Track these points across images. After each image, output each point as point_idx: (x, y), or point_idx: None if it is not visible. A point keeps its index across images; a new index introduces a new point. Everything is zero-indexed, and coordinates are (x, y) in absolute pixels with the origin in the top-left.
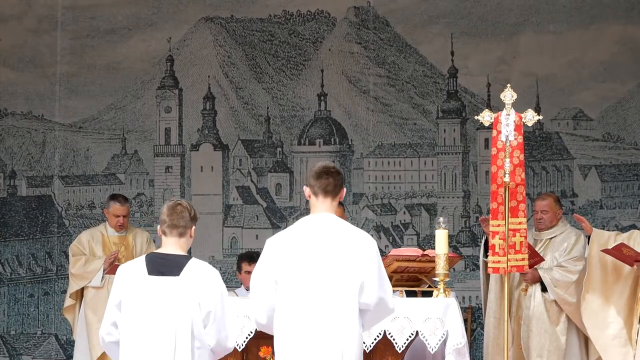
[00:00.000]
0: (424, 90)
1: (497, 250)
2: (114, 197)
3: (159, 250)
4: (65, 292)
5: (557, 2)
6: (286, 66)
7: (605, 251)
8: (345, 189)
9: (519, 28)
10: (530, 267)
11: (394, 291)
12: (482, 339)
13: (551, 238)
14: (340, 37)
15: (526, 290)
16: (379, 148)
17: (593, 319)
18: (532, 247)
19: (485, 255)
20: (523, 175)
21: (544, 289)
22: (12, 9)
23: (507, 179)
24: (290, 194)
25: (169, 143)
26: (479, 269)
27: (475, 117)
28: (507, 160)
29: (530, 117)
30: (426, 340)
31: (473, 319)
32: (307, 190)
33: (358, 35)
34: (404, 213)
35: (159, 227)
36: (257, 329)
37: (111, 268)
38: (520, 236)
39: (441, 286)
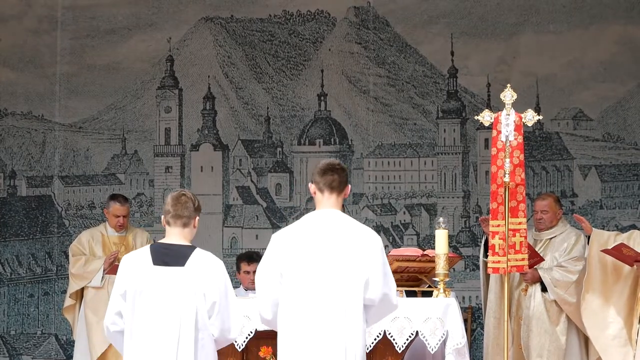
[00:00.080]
0: (424, 90)
1: (497, 250)
2: (114, 197)
3: (163, 241)
4: (65, 292)
5: (557, 2)
6: (286, 66)
7: (605, 251)
8: (350, 186)
9: (519, 28)
10: (530, 267)
11: None
12: (482, 339)
13: (551, 238)
14: (340, 37)
15: (526, 290)
16: (379, 148)
17: (593, 319)
18: (532, 247)
19: (485, 255)
20: (523, 175)
21: (544, 289)
22: (12, 9)
23: (507, 179)
24: (290, 194)
25: (169, 143)
26: (479, 269)
27: (475, 117)
28: (507, 160)
29: (530, 117)
30: (426, 340)
31: (473, 319)
32: (312, 187)
33: (358, 35)
34: (404, 213)
35: (162, 217)
36: (261, 326)
37: (111, 268)
38: (520, 236)
39: (441, 286)
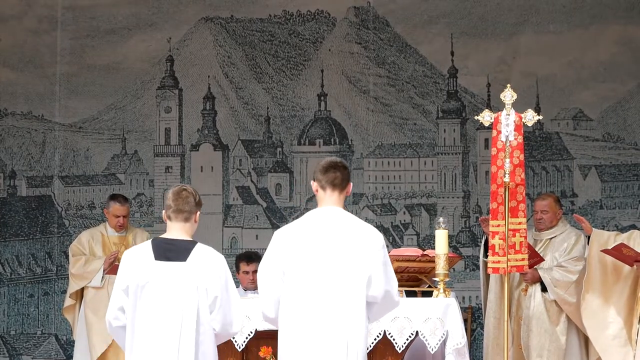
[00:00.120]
0: (424, 90)
1: (497, 250)
2: (113, 197)
3: (165, 236)
4: (65, 292)
5: (557, 2)
6: (286, 66)
7: (605, 251)
8: (352, 184)
9: (519, 28)
10: (530, 267)
11: None
12: (482, 339)
13: (551, 238)
14: (340, 37)
15: (526, 290)
16: (379, 148)
17: (593, 319)
18: (532, 247)
19: (485, 256)
20: (523, 176)
21: (544, 289)
22: (12, 9)
23: (507, 179)
24: (290, 194)
25: (169, 143)
26: (479, 269)
27: (475, 117)
28: (507, 160)
29: (530, 117)
30: (426, 340)
31: (473, 319)
32: (314, 184)
33: (358, 35)
34: (404, 213)
35: (163, 212)
36: (261, 326)
37: (111, 268)
38: (520, 236)
39: (441, 286)
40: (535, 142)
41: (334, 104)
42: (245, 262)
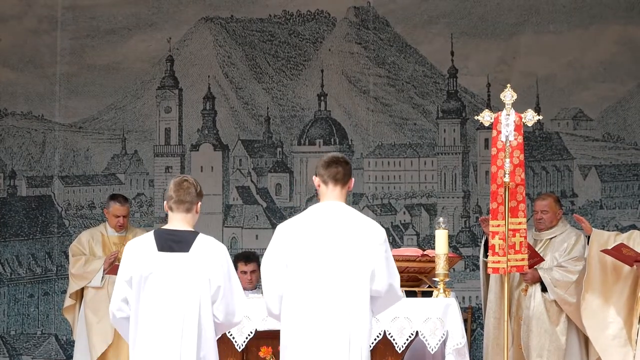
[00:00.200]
0: (424, 90)
1: (497, 250)
2: (113, 197)
3: (167, 227)
4: (65, 292)
5: (557, 2)
6: (286, 66)
7: (605, 251)
8: (354, 179)
9: (519, 28)
10: (530, 267)
11: None
12: (482, 339)
13: (551, 238)
14: (340, 37)
15: (526, 290)
16: (379, 148)
17: (593, 319)
18: (532, 247)
19: (485, 256)
20: (523, 176)
21: (544, 289)
22: (12, 9)
23: (507, 179)
24: (290, 194)
25: (169, 143)
26: (479, 269)
27: (475, 117)
28: (507, 160)
29: (530, 117)
30: (426, 340)
31: (473, 319)
32: (316, 179)
33: (358, 35)
34: (404, 213)
35: (165, 203)
36: (261, 326)
37: (111, 268)
38: (520, 236)
39: (441, 286)
40: (535, 142)
41: (334, 104)
42: (243, 262)
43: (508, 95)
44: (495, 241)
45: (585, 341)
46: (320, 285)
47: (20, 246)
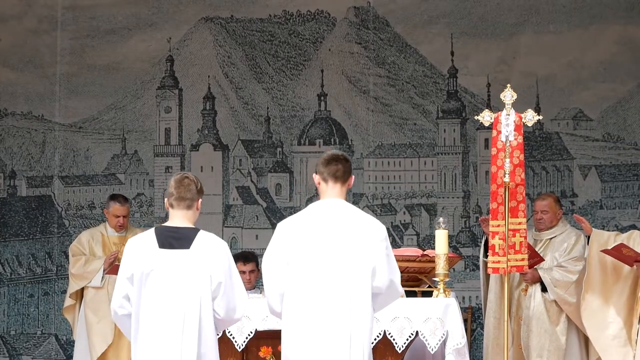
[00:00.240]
0: (424, 90)
1: (497, 250)
2: (113, 197)
3: (167, 224)
4: (65, 292)
5: (557, 2)
6: (286, 66)
7: (605, 251)
8: (354, 177)
9: (519, 28)
10: (530, 267)
11: None
12: (482, 339)
13: (551, 238)
14: (340, 37)
15: (526, 290)
16: (379, 148)
17: (593, 319)
18: (532, 247)
19: (485, 256)
20: (523, 176)
21: (544, 289)
22: (12, 9)
23: (507, 179)
24: (290, 194)
25: (169, 143)
26: (479, 269)
27: (475, 117)
28: (507, 160)
29: (530, 117)
30: (426, 340)
31: (473, 319)
32: (316, 177)
33: (358, 35)
34: (404, 213)
35: (165, 200)
36: (261, 327)
37: (111, 268)
38: (520, 236)
39: (441, 286)
40: (535, 142)
41: (334, 104)
42: (242, 262)
43: (508, 95)
44: (495, 241)
45: (585, 341)
46: (322, 282)
47: (20, 246)
